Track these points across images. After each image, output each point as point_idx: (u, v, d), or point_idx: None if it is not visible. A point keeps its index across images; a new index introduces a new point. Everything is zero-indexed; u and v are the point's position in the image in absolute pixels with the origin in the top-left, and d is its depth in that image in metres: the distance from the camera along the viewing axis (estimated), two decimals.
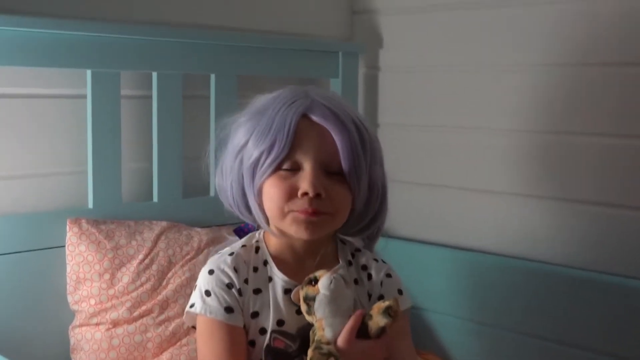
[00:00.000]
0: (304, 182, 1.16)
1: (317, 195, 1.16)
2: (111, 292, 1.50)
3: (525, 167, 1.81)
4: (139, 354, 1.48)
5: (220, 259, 1.23)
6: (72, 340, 1.51)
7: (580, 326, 1.66)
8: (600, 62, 1.68)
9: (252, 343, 1.20)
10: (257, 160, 1.18)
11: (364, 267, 1.29)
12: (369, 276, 1.28)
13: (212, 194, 1.74)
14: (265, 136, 1.17)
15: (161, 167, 1.68)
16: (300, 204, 1.16)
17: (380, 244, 1.34)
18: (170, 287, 1.54)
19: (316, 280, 1.15)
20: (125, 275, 1.51)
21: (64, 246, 1.52)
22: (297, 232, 1.18)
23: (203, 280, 1.21)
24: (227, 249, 1.26)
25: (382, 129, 2.06)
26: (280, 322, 1.20)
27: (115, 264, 1.51)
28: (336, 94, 1.30)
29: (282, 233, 1.22)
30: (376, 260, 1.30)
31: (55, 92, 1.59)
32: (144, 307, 1.50)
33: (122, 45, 1.59)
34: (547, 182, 1.78)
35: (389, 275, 1.29)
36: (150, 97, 1.66)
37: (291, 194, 1.17)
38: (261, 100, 1.24)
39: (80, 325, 1.50)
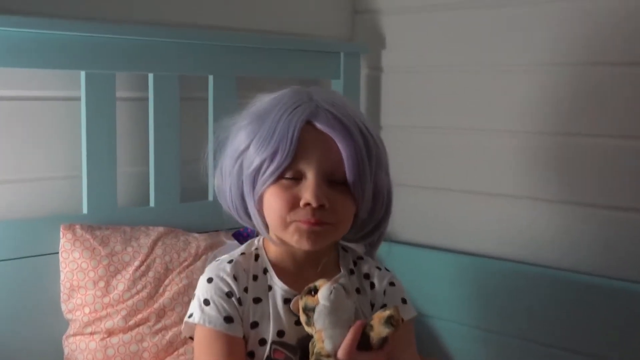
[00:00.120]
0: (307, 192, 1.14)
1: (320, 206, 1.14)
2: (106, 300, 1.48)
3: (531, 170, 1.80)
4: None
5: (220, 267, 1.20)
6: (66, 350, 1.50)
7: (589, 333, 1.65)
8: (608, 62, 1.67)
9: (251, 354, 1.18)
10: (259, 168, 1.16)
11: (367, 276, 1.27)
12: (372, 285, 1.26)
13: (210, 198, 1.73)
14: (267, 143, 1.15)
15: (158, 171, 1.66)
16: (303, 214, 1.14)
17: (383, 249, 1.32)
18: (167, 294, 1.52)
19: (316, 290, 1.13)
20: (121, 283, 1.49)
21: (57, 253, 1.50)
22: (299, 243, 1.16)
23: (202, 289, 1.19)
24: (226, 256, 1.24)
25: (384, 131, 2.05)
26: (280, 333, 1.18)
27: (110, 271, 1.49)
28: (340, 95, 1.27)
29: (283, 242, 1.20)
30: (379, 268, 1.28)
31: (48, 94, 1.57)
32: (139, 316, 1.48)
33: (117, 45, 1.57)
34: (554, 185, 1.77)
35: (392, 284, 1.27)
36: (147, 99, 1.65)
37: (293, 204, 1.15)
38: (263, 102, 1.21)
39: (75, 335, 1.48)
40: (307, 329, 1.14)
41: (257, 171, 1.16)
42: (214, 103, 1.73)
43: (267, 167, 1.15)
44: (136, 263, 1.51)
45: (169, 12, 1.73)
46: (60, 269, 1.49)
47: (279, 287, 1.20)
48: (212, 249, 1.60)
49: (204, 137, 1.71)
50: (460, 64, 1.91)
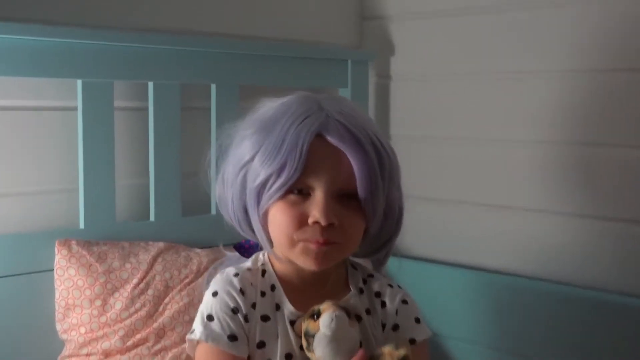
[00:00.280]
0: (316, 209, 1.10)
1: (330, 225, 1.10)
2: (103, 319, 1.44)
3: (548, 181, 1.77)
4: None
5: (226, 280, 1.16)
6: None
7: (609, 353, 1.61)
8: (627, 68, 1.64)
9: None
10: (264, 182, 1.11)
11: (377, 294, 1.23)
12: (383, 304, 1.22)
13: (213, 211, 1.71)
14: (274, 156, 1.10)
15: (158, 183, 1.64)
16: (311, 233, 1.10)
17: (394, 265, 1.29)
18: (167, 313, 1.48)
19: (319, 314, 1.09)
20: (118, 301, 1.46)
21: (52, 270, 1.47)
22: (305, 263, 1.13)
23: (206, 303, 1.15)
24: (232, 269, 1.19)
25: (393, 141, 2.00)
26: (288, 356, 1.13)
27: (108, 289, 1.46)
28: (351, 103, 1.23)
29: (289, 259, 1.16)
30: (391, 285, 1.24)
31: (43, 104, 1.56)
32: (138, 336, 1.45)
33: (116, 53, 1.56)
34: (572, 198, 1.74)
35: (404, 302, 1.22)
36: (146, 108, 1.63)
37: (301, 222, 1.11)
38: (268, 109, 1.17)
39: (70, 356, 1.45)
40: (308, 354, 1.10)
41: (263, 186, 1.12)
42: (217, 113, 1.71)
43: (274, 182, 1.10)
44: (135, 280, 1.48)
45: (170, 18, 1.72)
46: (55, 286, 1.46)
47: (287, 308, 1.16)
48: (215, 263, 1.54)
49: (206, 148, 1.68)
50: (472, 71, 1.89)
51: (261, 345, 1.13)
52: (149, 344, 1.44)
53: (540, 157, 1.77)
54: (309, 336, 1.08)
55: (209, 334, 1.11)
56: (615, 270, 1.66)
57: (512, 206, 1.82)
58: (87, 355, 1.43)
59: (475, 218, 1.89)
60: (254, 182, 1.12)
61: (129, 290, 1.46)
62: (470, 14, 1.88)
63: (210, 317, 1.13)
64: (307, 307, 1.12)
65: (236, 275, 1.16)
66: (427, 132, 1.99)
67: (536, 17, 1.76)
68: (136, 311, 1.46)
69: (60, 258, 1.46)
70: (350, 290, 1.20)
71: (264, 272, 1.19)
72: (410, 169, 1.91)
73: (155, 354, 1.44)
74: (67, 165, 1.56)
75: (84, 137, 1.53)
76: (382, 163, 1.13)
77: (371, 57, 2.02)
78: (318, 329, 1.08)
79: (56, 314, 1.46)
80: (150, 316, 1.46)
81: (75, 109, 1.53)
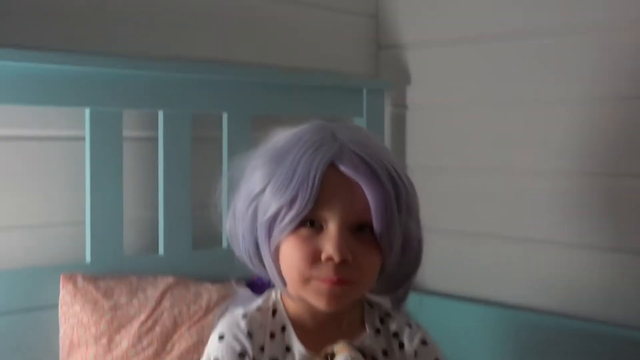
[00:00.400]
0: (329, 244, 1.05)
1: (344, 261, 1.05)
2: (108, 358, 1.41)
3: (573, 214, 1.75)
4: None
5: (233, 322, 1.11)
6: None
7: None
8: None
9: None
10: (275, 215, 1.07)
11: (395, 335, 1.17)
12: (401, 345, 1.16)
13: (224, 245, 1.68)
14: (285, 187, 1.06)
15: (168, 216, 1.63)
16: (325, 270, 1.05)
17: (414, 301, 1.23)
18: (175, 352, 1.45)
19: (332, 356, 1.05)
20: (125, 339, 1.43)
21: (57, 306, 1.46)
22: (318, 303, 1.07)
23: (212, 346, 1.10)
24: (240, 310, 1.14)
25: (410, 171, 1.95)
26: None
27: (114, 326, 1.43)
28: (366, 132, 1.20)
29: (301, 298, 1.11)
30: (409, 325, 1.18)
31: (49, 134, 1.55)
32: None
33: (125, 81, 1.55)
34: (596, 230, 1.72)
35: (424, 343, 1.17)
36: (156, 138, 1.63)
37: (314, 259, 1.06)
38: (280, 139, 1.13)
39: None
40: None
41: (274, 219, 1.07)
42: (228, 143, 1.71)
43: (285, 214, 1.06)
44: (142, 317, 1.45)
45: (181, 46, 1.73)
46: (60, 323, 1.44)
47: (297, 350, 1.10)
48: (225, 301, 1.51)
49: (217, 180, 1.66)
50: (490, 100, 1.89)
51: None
52: None
53: (563, 187, 1.76)
54: None
55: None
56: None
57: (534, 238, 1.81)
58: None
59: (496, 251, 1.88)
60: (264, 215, 1.08)
61: (135, 327, 1.44)
62: (485, 42, 1.89)
63: None
64: (320, 348, 1.07)
65: (244, 316, 1.12)
66: (445, 162, 1.98)
67: (556, 44, 1.76)
68: (143, 349, 1.43)
69: (65, 293, 1.44)
70: (365, 330, 1.15)
71: (274, 312, 1.15)
72: (428, 199, 1.88)
73: None
74: (74, 196, 1.55)
75: (92, 167, 1.52)
76: (398, 194, 1.09)
77: (387, 87, 2.03)
78: None
79: (60, 352, 1.43)
80: (158, 355, 1.43)
81: (82, 138, 1.53)
